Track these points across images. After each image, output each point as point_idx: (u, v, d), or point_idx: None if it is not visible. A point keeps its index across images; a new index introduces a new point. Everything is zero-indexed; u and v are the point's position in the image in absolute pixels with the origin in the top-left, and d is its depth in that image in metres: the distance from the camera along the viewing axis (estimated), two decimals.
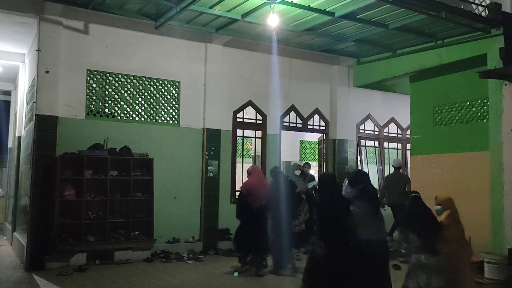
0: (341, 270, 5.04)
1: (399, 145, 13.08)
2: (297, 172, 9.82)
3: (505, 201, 7.65)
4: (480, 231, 8.41)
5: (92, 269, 7.66)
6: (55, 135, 8.40)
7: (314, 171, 15.86)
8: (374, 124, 12.68)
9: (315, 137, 14.16)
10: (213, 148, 9.96)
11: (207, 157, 9.88)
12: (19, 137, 11.04)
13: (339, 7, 7.81)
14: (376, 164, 12.92)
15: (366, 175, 5.80)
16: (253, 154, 11.66)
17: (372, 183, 5.70)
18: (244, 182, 8.07)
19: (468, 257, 4.43)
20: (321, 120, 11.81)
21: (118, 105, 9.17)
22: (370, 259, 5.17)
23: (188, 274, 7.56)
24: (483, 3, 7.90)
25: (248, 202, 7.55)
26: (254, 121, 10.77)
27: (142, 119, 9.38)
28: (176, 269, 7.91)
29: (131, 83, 9.32)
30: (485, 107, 8.66)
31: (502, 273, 6.88)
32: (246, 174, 8.09)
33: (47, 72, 8.41)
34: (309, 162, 13.47)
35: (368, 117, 12.48)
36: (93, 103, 8.94)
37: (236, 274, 7.63)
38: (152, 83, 9.52)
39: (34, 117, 8.40)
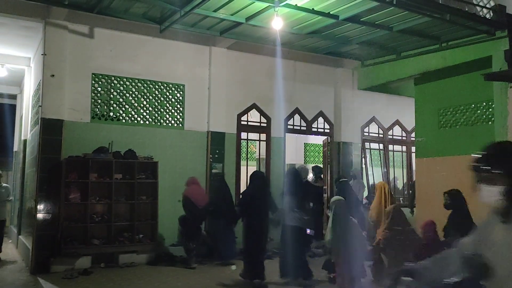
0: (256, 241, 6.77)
1: (404, 148, 13.04)
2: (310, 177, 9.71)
3: None
4: None
5: (97, 272, 7.67)
6: (61, 139, 8.44)
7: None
8: (379, 127, 12.64)
9: (319, 139, 14.15)
10: (217, 151, 9.97)
11: (211, 160, 9.88)
12: (25, 141, 11.09)
13: (343, 10, 7.80)
14: (381, 166, 12.88)
15: (299, 175, 7.47)
16: (258, 157, 11.66)
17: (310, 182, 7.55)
18: (186, 190, 8.78)
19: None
20: (325, 122, 11.80)
21: (123, 109, 9.20)
22: (291, 240, 6.75)
23: (192, 277, 7.55)
24: (488, 5, 7.88)
25: (192, 202, 8.51)
26: (259, 124, 10.77)
27: (147, 122, 9.41)
28: (181, 272, 7.91)
29: (136, 87, 9.35)
30: (490, 110, 8.62)
31: None
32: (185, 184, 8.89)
33: (53, 76, 8.45)
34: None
35: (373, 119, 12.46)
36: (98, 106, 8.98)
37: (234, 267, 8.01)
38: (156, 86, 9.55)
39: (39, 121, 8.44)
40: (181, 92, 9.81)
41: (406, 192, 13.02)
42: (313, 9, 7.73)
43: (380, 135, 12.69)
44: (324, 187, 11.04)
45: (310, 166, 16.11)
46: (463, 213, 5.63)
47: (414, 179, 11.51)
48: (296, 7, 7.58)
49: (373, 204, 8.03)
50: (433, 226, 5.68)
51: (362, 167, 12.15)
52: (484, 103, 8.80)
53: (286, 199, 7.06)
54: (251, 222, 6.92)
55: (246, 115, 10.61)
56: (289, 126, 11.18)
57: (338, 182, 9.22)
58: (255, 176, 7.37)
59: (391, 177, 12.94)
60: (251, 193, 7.08)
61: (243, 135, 10.62)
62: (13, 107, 14.65)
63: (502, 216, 2.14)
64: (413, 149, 11.51)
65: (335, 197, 6.31)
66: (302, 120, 11.40)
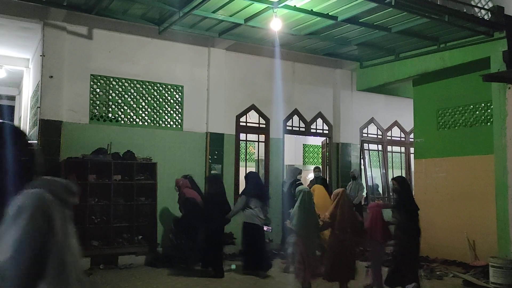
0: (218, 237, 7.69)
1: (403, 149, 13.06)
2: (299, 177, 9.77)
3: (509, 204, 7.62)
4: (485, 235, 8.39)
5: (96, 274, 7.65)
6: (59, 140, 8.43)
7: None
8: (378, 128, 12.66)
9: (318, 141, 14.16)
10: (216, 152, 9.97)
11: (210, 161, 9.88)
12: None
13: (342, 11, 7.81)
14: (380, 167, 12.90)
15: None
16: (257, 158, 11.66)
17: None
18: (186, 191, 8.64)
19: None
20: (324, 124, 11.81)
21: (122, 110, 9.20)
22: (250, 237, 7.62)
23: (192, 279, 7.54)
24: (486, 6, 7.90)
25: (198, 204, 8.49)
26: (257, 125, 10.77)
27: (146, 123, 9.41)
28: (180, 273, 7.89)
29: (135, 88, 9.34)
30: (489, 111, 8.64)
31: (508, 277, 6.84)
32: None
33: (51, 77, 8.45)
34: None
35: (372, 120, 12.47)
36: (97, 107, 8.97)
37: (233, 266, 8.20)
38: (155, 88, 9.55)
39: (38, 122, 8.43)
40: (180, 93, 9.81)
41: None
42: (312, 10, 7.74)
43: (379, 136, 12.71)
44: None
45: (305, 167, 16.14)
46: (407, 196, 6.71)
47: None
48: (294, 8, 7.58)
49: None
50: (379, 208, 6.77)
51: (361, 168, 12.16)
52: (483, 104, 8.83)
53: (246, 199, 7.75)
54: (215, 220, 7.64)
55: (245, 116, 10.61)
56: (288, 127, 11.19)
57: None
58: (215, 179, 8.41)
59: (390, 178, 12.96)
60: (216, 193, 7.94)
61: (242, 136, 10.62)
62: (11, 109, 14.62)
63: None
64: (412, 150, 11.53)
65: (302, 187, 7.01)
66: (301, 121, 11.41)
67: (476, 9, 7.89)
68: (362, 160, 12.31)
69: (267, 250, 8.16)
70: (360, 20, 8.20)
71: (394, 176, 8.27)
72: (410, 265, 6.42)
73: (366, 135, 12.46)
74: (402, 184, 6.77)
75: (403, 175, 12.93)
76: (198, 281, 7.40)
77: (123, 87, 9.24)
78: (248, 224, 7.73)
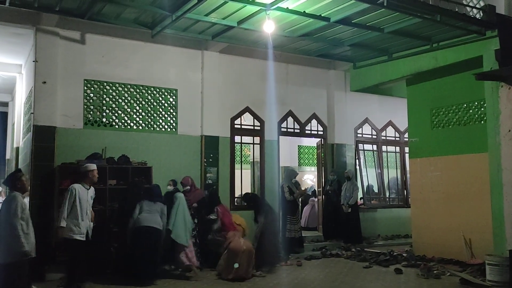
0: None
1: (398, 149, 13.10)
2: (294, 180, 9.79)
3: (504, 202, 7.66)
4: (481, 233, 8.42)
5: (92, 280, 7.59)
6: (53, 146, 8.39)
7: (313, 176, 15.88)
8: (372, 128, 12.70)
9: (313, 142, 14.18)
10: (211, 155, 9.96)
11: (205, 164, 9.86)
12: (17, 148, 11.01)
13: (334, 12, 7.83)
14: (375, 167, 12.93)
15: (141, 182, 8.35)
16: (252, 160, 11.65)
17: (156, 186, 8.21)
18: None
19: None
20: (319, 125, 11.82)
21: (116, 114, 9.17)
22: (143, 239, 7.43)
23: (189, 283, 7.52)
24: (478, 6, 7.95)
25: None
26: (252, 127, 10.77)
27: (140, 127, 9.38)
28: (177, 277, 7.86)
29: (128, 92, 9.32)
30: (482, 109, 8.69)
31: (504, 275, 6.86)
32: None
33: (44, 82, 8.41)
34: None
35: (366, 121, 12.51)
36: (91, 112, 8.94)
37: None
38: (149, 92, 9.53)
39: (31, 128, 8.39)
40: (174, 97, 9.79)
41: (399, 192, 13.08)
42: (304, 11, 7.75)
43: (374, 136, 12.75)
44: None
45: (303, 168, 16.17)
46: (258, 208, 8.62)
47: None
48: (287, 10, 7.59)
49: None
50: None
51: (356, 169, 12.18)
52: (476, 103, 8.88)
53: (140, 204, 7.68)
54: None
55: (239, 118, 10.61)
56: (282, 129, 11.19)
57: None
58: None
59: (388, 177, 12.97)
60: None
61: (237, 138, 10.61)
62: (4, 115, 14.56)
63: None
64: (407, 149, 11.57)
65: (178, 193, 8.20)
66: (295, 122, 11.42)
67: (468, 8, 7.92)
68: (357, 160, 12.33)
69: (156, 256, 7.56)
70: (352, 21, 8.22)
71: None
72: (268, 252, 8.31)
73: (360, 135, 12.50)
74: (254, 200, 8.93)
75: (399, 174, 13.00)
76: (195, 284, 7.37)
77: (117, 91, 9.21)
78: (144, 228, 7.42)
